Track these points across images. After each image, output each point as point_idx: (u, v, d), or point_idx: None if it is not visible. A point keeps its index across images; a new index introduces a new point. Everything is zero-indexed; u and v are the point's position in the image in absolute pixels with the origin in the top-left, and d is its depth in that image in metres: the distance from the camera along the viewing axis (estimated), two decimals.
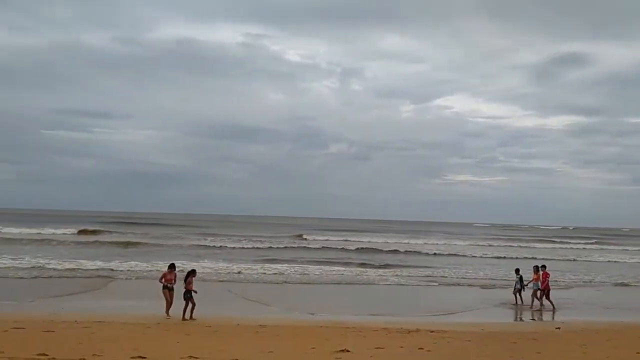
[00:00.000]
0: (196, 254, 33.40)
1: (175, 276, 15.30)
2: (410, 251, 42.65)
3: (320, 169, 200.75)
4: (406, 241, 53.83)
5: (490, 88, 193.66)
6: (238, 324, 13.64)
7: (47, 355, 9.01)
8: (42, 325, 12.22)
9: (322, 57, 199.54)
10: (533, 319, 17.66)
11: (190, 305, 14.55)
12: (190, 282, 14.86)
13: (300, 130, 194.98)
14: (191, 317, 14.46)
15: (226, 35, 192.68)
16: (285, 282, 23.88)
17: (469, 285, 25.15)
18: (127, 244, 38.55)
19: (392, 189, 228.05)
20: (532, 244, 59.19)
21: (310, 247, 43.06)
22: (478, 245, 55.17)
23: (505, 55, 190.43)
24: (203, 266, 26.22)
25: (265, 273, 25.64)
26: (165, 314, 14.60)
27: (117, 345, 10.19)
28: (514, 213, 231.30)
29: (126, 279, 22.88)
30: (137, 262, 26.89)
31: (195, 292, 14.76)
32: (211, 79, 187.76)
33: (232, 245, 41.19)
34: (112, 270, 24.55)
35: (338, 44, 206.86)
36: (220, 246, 40.41)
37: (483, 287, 24.55)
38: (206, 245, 40.61)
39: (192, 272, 15.38)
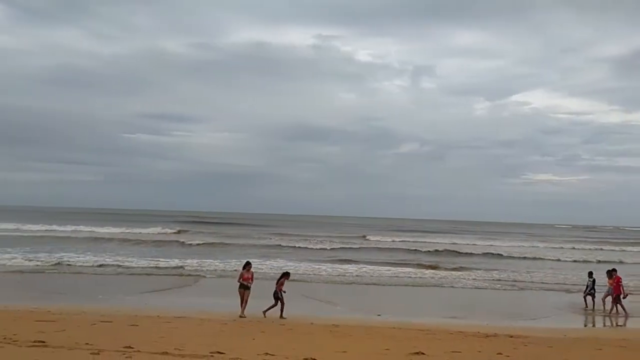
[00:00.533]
0: (268, 254, 34.00)
1: (252, 275, 15.52)
2: (485, 253, 41.30)
3: (391, 169, 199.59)
4: (481, 242, 52.36)
5: (572, 82, 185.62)
6: (312, 323, 13.76)
7: (132, 348, 9.46)
8: (127, 319, 12.85)
9: (394, 56, 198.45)
10: (619, 325, 16.68)
11: (279, 304, 14.84)
12: (282, 284, 15.15)
13: (371, 130, 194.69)
14: (281, 316, 14.69)
15: (297, 37, 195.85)
16: (353, 282, 23.83)
17: (549, 289, 24.09)
18: (205, 244, 39.76)
19: (466, 189, 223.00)
20: (619, 247, 55.84)
21: (381, 247, 42.78)
22: (559, 247, 52.74)
23: (587, 48, 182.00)
24: (274, 265, 26.75)
25: (332, 274, 25.75)
26: (240, 313, 14.75)
27: (197, 340, 10.54)
28: (598, 214, 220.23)
29: (202, 276, 23.62)
30: (213, 261, 27.77)
31: (285, 292, 15.05)
32: (283, 81, 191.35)
33: (301, 245, 41.54)
34: (183, 268, 25.43)
35: (409, 42, 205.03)
36: (289, 246, 40.90)
37: (564, 291, 23.44)
38: (276, 245, 41.22)
39: (286, 275, 15.68)
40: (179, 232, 51.96)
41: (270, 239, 48.01)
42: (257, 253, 33.89)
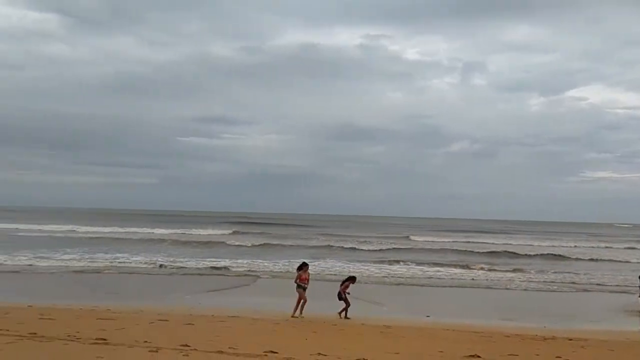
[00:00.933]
0: (317, 254, 34.10)
1: (309, 276, 15.36)
2: (542, 254, 39.95)
3: (441, 168, 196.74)
4: (537, 243, 50.89)
5: (631, 77, 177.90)
6: (363, 324, 13.74)
7: (188, 346, 9.69)
8: (183, 318, 13.17)
9: (443, 54, 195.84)
10: None
11: (345, 305, 14.81)
12: (347, 287, 15.08)
13: (420, 128, 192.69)
14: (345, 316, 14.68)
15: (345, 38, 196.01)
16: (401, 283, 23.59)
17: (609, 291, 23.16)
18: (257, 245, 40.09)
19: (519, 187, 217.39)
20: None
21: (431, 249, 42.19)
22: (619, 247, 50.63)
23: None
24: (323, 266, 26.88)
25: (380, 274, 25.58)
26: (292, 313, 14.70)
27: (250, 340, 10.69)
28: None
29: (255, 277, 23.92)
30: (262, 261, 28.16)
31: (349, 293, 14.99)
32: (330, 81, 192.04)
33: (349, 246, 41.43)
34: (237, 269, 25.83)
35: (458, 39, 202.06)
36: (337, 246, 40.84)
37: (624, 293, 22.46)
38: (325, 246, 41.16)
39: (352, 279, 15.59)
40: (233, 232, 52.80)
41: (319, 239, 48.21)
42: (307, 254, 34.04)
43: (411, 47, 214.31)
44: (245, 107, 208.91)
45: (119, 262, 27.20)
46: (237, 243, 40.94)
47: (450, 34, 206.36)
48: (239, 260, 28.20)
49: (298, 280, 15.02)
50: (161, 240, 41.67)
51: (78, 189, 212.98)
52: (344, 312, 14.81)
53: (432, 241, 50.69)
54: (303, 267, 15.36)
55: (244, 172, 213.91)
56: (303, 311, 14.71)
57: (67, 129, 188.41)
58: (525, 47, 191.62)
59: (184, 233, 49.29)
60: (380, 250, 39.56)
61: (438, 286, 23.38)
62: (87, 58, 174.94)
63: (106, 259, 27.98)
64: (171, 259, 28.59)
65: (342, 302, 14.97)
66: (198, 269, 25.70)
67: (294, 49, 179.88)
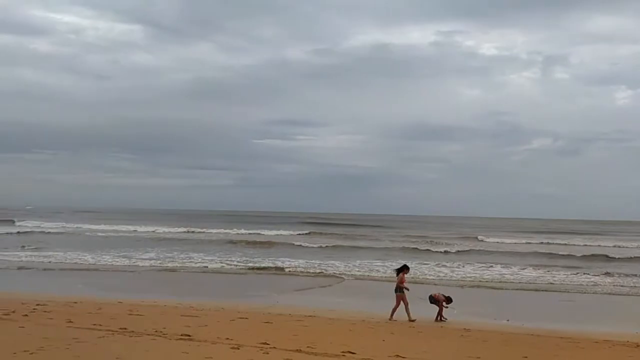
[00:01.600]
0: (391, 255, 33.72)
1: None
2: (630, 257, 37.25)
3: (521, 166, 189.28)
4: (625, 244, 47.87)
5: None
6: (442, 327, 13.49)
7: (268, 344, 9.89)
8: (261, 316, 13.47)
9: (521, 47, 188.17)
10: None
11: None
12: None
13: (498, 126, 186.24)
14: (440, 319, 14.27)
15: (417, 36, 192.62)
16: (479, 285, 22.86)
17: None
18: (333, 246, 39.96)
19: (605, 185, 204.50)
20: None
21: (509, 251, 40.70)
22: None
23: None
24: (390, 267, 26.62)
25: (454, 277, 24.95)
26: (390, 317, 14.26)
27: (328, 339, 10.76)
28: None
29: (332, 276, 24.06)
30: (337, 262, 28.27)
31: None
32: (403, 80, 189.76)
33: (423, 247, 40.63)
34: (314, 269, 26.06)
35: (538, 32, 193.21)
36: (412, 248, 40.16)
37: None
38: (401, 247, 40.54)
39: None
40: (309, 233, 53.31)
41: (394, 240, 47.76)
42: (383, 255, 33.83)
43: (487, 41, 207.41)
44: (318, 108, 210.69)
45: (196, 262, 28.11)
46: (314, 244, 41.08)
47: (528, 27, 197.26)
48: (313, 261, 28.50)
49: (400, 283, 14.44)
50: (238, 241, 42.71)
51: (159, 192, 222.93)
52: (439, 316, 14.36)
53: (511, 242, 48.77)
54: (404, 269, 14.86)
55: (318, 173, 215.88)
56: (401, 314, 14.21)
57: (149, 134, 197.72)
58: (611, 37, 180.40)
59: (259, 233, 50.28)
60: (457, 252, 38.55)
61: (516, 289, 22.48)
62: (169, 66, 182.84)
63: (183, 259, 29.05)
64: (246, 259, 29.34)
65: (435, 305, 14.51)
66: (275, 268, 26.16)
67: (365, 49, 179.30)
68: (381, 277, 23.94)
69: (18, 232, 47.08)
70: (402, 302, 14.31)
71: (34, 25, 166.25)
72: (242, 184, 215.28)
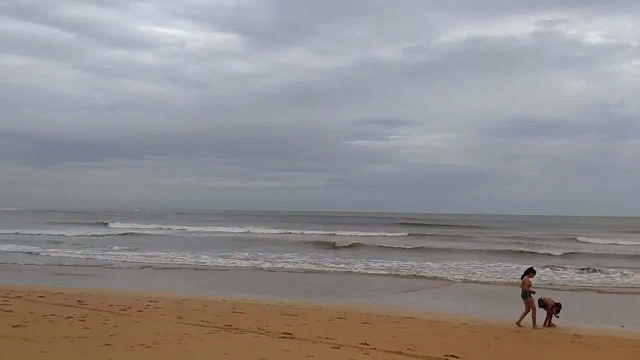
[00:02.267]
0: (496, 258, 32.46)
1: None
2: None
3: (632, 162, 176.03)
4: None
5: None
6: (550, 332, 12.81)
7: (367, 345, 9.88)
8: (359, 317, 13.47)
9: (631, 34, 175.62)
10: None
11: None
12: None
13: (607, 118, 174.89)
14: (549, 324, 13.56)
15: (516, 27, 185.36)
16: (585, 289, 21.40)
17: None
18: (430, 248, 39.02)
19: None
20: None
21: (621, 253, 37.86)
22: None
23: None
24: (497, 270, 25.61)
25: (558, 281, 23.52)
26: (518, 322, 13.57)
27: (428, 342, 10.56)
28: None
29: (433, 279, 23.63)
30: (433, 264, 27.67)
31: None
32: (501, 74, 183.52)
33: (525, 249, 38.63)
34: (412, 270, 25.70)
35: None
36: (514, 250, 38.33)
37: None
38: (506, 250, 38.68)
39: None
40: (408, 235, 52.63)
41: (490, 242, 46.01)
42: (479, 256, 32.68)
43: (592, 30, 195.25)
44: (411, 107, 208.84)
45: (291, 262, 28.60)
46: (408, 245, 40.57)
47: (638, 12, 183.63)
48: (409, 262, 28.12)
49: (525, 287, 13.78)
50: (331, 242, 42.91)
51: (256, 193, 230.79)
52: (547, 321, 13.57)
53: (620, 244, 45.45)
54: (529, 272, 14.15)
55: (411, 173, 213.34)
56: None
57: (246, 138, 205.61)
58: None
59: (352, 235, 50.33)
60: (563, 254, 36.40)
61: (626, 293, 20.88)
62: (264, 72, 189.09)
63: (279, 259, 29.66)
64: (339, 259, 29.51)
65: (543, 309, 13.68)
66: (369, 270, 26.07)
67: (460, 44, 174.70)
68: (479, 279, 23.20)
69: (121, 234, 50.33)
70: (530, 308, 13.57)
71: (141, 39, 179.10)
72: (335, 185, 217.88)
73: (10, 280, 19.53)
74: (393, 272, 25.12)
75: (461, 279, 23.08)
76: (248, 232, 54.36)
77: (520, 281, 14.24)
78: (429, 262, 28.23)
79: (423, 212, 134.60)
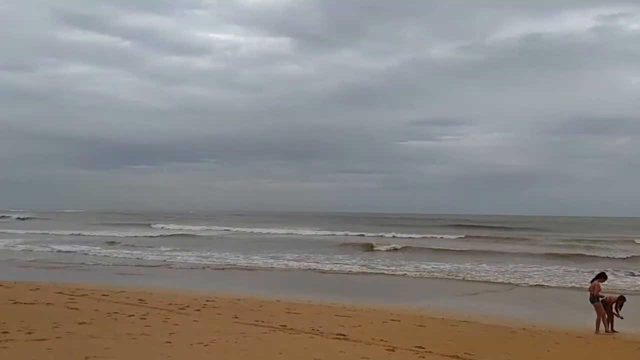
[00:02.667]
0: (559, 262, 31.33)
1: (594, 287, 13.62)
2: None
3: None
4: None
5: None
6: (614, 337, 12.31)
7: (423, 348, 9.76)
8: (413, 319, 13.34)
9: None
10: None
11: (607, 316, 13.10)
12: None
13: None
14: (608, 329, 13.02)
15: (574, 22, 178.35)
16: None
17: None
18: (489, 251, 37.99)
19: None
20: None
21: None
22: None
23: None
24: (562, 277, 24.77)
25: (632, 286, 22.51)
26: (596, 329, 13.11)
27: (486, 346, 10.35)
28: None
29: (499, 283, 23.13)
30: (489, 267, 27.08)
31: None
32: (558, 72, 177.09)
33: (589, 253, 37.15)
34: (468, 274, 25.21)
35: None
36: (578, 254, 36.92)
37: None
38: (572, 255, 37.20)
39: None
40: (465, 237, 51.62)
41: (553, 244, 44.48)
42: (536, 260, 31.69)
43: None
44: (465, 106, 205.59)
45: (342, 263, 28.47)
46: (468, 247, 39.46)
47: None
48: (463, 265, 27.63)
49: (594, 292, 13.28)
50: (382, 243, 42.50)
51: (308, 195, 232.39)
52: (610, 325, 13.03)
53: None
54: (600, 277, 13.67)
55: (466, 174, 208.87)
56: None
57: (298, 141, 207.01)
58: None
59: (405, 237, 49.83)
60: (627, 257, 34.73)
61: None
62: (315, 74, 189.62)
63: (328, 260, 29.68)
64: (389, 261, 29.29)
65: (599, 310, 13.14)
66: (420, 272, 25.72)
67: (515, 41, 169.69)
68: (537, 283, 22.49)
69: (176, 235, 51.63)
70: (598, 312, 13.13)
71: (196, 45, 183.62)
72: (388, 187, 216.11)
73: (73, 279, 20.42)
74: (447, 275, 24.70)
75: (518, 283, 22.45)
76: (298, 233, 54.74)
77: (590, 285, 13.74)
78: (484, 265, 27.66)
79: (478, 214, 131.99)
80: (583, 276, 24.20)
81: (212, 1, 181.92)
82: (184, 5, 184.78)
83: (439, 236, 51.19)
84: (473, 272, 25.42)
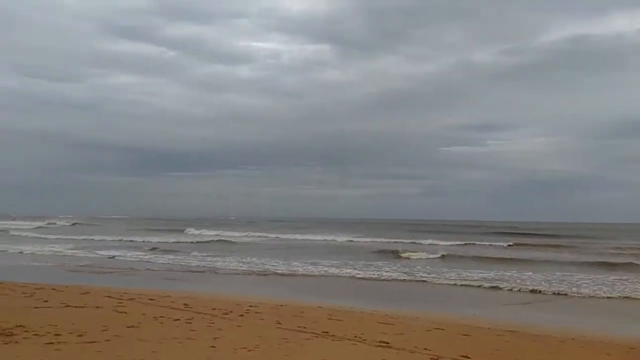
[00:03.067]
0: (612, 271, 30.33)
1: None
2: None
3: None
4: None
5: None
6: None
7: (468, 357, 9.58)
8: (458, 328, 13.11)
9: None
10: None
11: None
12: None
13: None
14: None
15: (622, 23, 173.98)
16: None
17: None
18: (538, 260, 37.14)
19: None
20: None
21: None
22: None
23: None
24: (614, 288, 23.90)
25: None
26: None
27: (534, 356, 10.13)
28: None
29: (546, 293, 22.59)
30: (535, 275, 26.40)
31: None
32: (607, 74, 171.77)
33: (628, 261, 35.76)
34: (520, 283, 24.68)
35: None
36: (609, 261, 35.61)
37: None
38: (625, 263, 36.04)
39: None
40: (514, 245, 50.57)
41: (602, 252, 43.01)
42: (593, 269, 30.52)
43: None
44: (509, 111, 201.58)
45: (382, 270, 28.24)
46: (513, 255, 38.55)
47: None
48: (509, 273, 27.02)
49: None
50: (426, 250, 42.08)
51: (348, 201, 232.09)
52: None
53: None
54: None
55: (510, 179, 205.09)
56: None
57: (338, 147, 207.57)
58: None
59: (447, 244, 49.12)
60: None
61: None
62: (355, 80, 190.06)
63: (368, 267, 29.48)
64: (430, 268, 28.87)
65: None
66: (463, 280, 25.28)
67: (561, 44, 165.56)
68: (585, 292, 21.79)
69: (216, 240, 52.42)
70: None
71: (239, 54, 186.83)
72: (430, 193, 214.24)
73: (121, 283, 20.96)
74: (492, 284, 24.17)
75: (566, 292, 21.80)
76: (338, 239, 54.72)
77: None
78: (530, 273, 26.95)
79: (523, 220, 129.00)
80: (633, 286, 23.37)
81: (254, 10, 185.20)
82: (227, 15, 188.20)
83: (484, 243, 50.26)
84: (519, 281, 24.79)
